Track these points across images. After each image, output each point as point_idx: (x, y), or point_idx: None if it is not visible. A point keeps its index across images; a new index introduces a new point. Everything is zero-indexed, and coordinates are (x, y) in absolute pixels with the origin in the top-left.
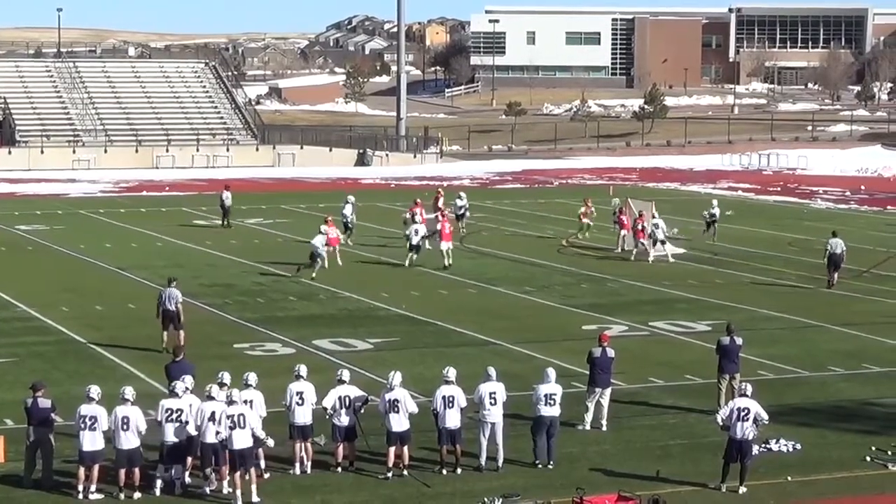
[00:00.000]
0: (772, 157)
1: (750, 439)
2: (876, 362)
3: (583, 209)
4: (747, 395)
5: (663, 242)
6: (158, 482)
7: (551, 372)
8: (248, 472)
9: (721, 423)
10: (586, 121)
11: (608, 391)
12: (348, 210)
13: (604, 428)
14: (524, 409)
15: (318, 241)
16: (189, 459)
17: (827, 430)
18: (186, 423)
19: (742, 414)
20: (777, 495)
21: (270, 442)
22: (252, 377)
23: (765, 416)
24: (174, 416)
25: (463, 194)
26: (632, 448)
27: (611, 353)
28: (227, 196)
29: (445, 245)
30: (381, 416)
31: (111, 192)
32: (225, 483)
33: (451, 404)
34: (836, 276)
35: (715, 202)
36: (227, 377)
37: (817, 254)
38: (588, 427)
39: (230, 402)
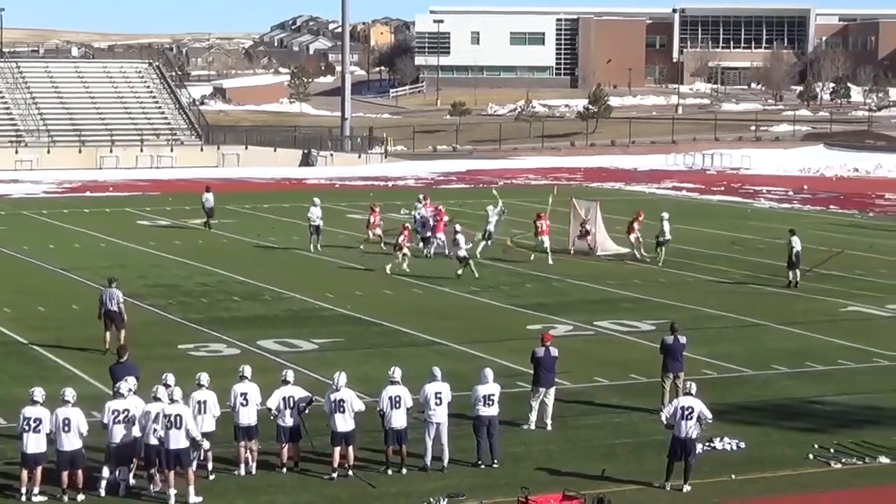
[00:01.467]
0: (715, 157)
1: (694, 438)
2: (819, 361)
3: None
4: (691, 394)
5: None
6: (103, 483)
7: (489, 372)
8: (185, 472)
9: (665, 422)
10: (531, 121)
11: (552, 391)
12: (317, 213)
13: (549, 427)
14: (469, 409)
15: (461, 240)
16: (134, 461)
17: (770, 429)
18: (133, 423)
19: (686, 413)
20: (721, 493)
21: (206, 444)
22: (204, 377)
23: (708, 414)
24: (121, 417)
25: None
26: (577, 447)
27: (554, 352)
28: (208, 197)
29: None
30: (326, 417)
31: (54, 192)
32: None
33: (397, 404)
34: (797, 273)
35: (665, 217)
36: (171, 378)
37: (761, 253)
38: (533, 427)
39: (171, 401)
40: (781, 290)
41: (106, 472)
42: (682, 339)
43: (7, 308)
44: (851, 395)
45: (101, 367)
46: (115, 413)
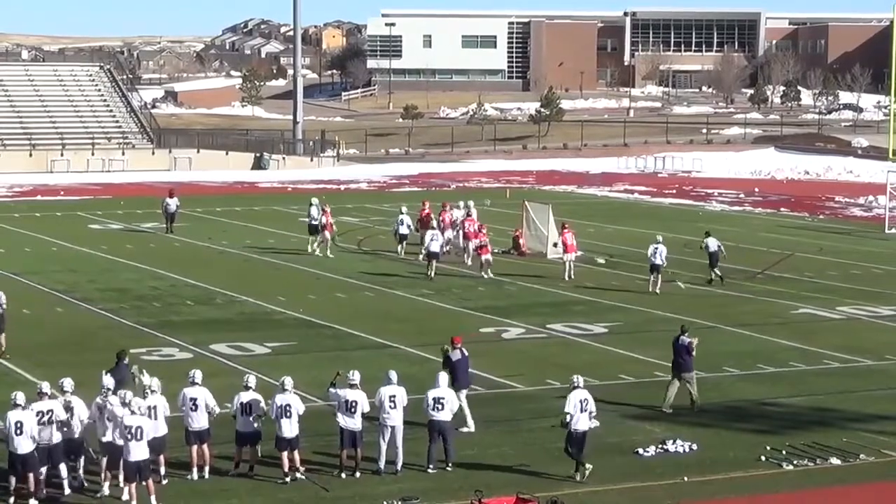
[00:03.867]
0: (667, 160)
1: (587, 430)
2: (770, 362)
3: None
4: (580, 387)
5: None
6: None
7: (442, 376)
8: (147, 483)
9: (569, 419)
10: (483, 124)
11: (464, 392)
12: (315, 212)
13: (472, 429)
14: (421, 412)
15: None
16: (81, 459)
17: (722, 431)
18: (60, 422)
19: (584, 405)
20: (673, 495)
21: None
22: (155, 382)
23: (594, 408)
24: (45, 418)
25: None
26: (530, 450)
27: (466, 353)
28: (169, 202)
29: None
30: (272, 421)
31: (4, 196)
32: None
33: (353, 408)
34: (716, 272)
35: (660, 240)
36: (110, 381)
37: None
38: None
39: (131, 413)
40: (731, 293)
41: (42, 471)
42: (683, 340)
43: None
44: (802, 397)
45: (52, 370)
46: (40, 414)
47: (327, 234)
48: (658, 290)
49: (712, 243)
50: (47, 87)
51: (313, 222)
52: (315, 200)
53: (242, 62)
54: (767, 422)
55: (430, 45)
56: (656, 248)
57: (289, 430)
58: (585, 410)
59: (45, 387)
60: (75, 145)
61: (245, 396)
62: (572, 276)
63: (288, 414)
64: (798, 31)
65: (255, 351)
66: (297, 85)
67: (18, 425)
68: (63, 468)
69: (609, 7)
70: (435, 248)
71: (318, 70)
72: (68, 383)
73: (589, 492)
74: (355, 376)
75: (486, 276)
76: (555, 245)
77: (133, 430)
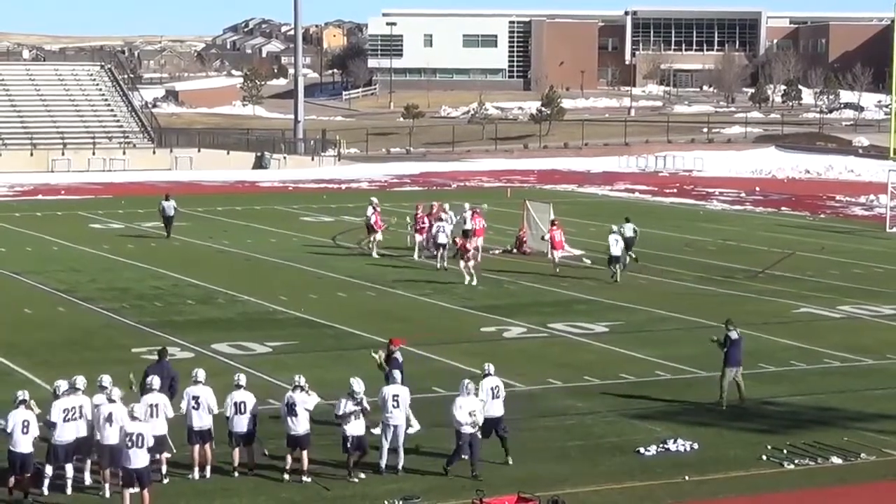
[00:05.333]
0: (668, 159)
1: (501, 415)
2: (771, 362)
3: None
4: (492, 374)
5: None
6: (46, 481)
7: (467, 383)
8: (142, 491)
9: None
10: (484, 123)
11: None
12: (369, 211)
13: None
14: (422, 413)
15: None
16: (88, 460)
17: (724, 430)
18: (88, 421)
19: (495, 392)
20: (674, 494)
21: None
22: (156, 380)
23: (502, 394)
24: (70, 415)
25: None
26: (530, 449)
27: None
28: (165, 206)
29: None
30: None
31: (6, 196)
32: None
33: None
34: (629, 255)
35: (615, 229)
36: (106, 380)
37: (713, 255)
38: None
39: (132, 418)
40: (733, 292)
41: (49, 470)
42: (733, 335)
43: None
44: (803, 396)
45: (53, 370)
46: (66, 411)
47: (378, 234)
48: (619, 280)
49: (628, 229)
50: (48, 86)
51: (370, 221)
52: (374, 199)
53: (243, 61)
54: (768, 421)
55: (430, 44)
56: (617, 240)
57: (294, 428)
58: (498, 397)
59: (80, 382)
60: (76, 145)
61: (237, 396)
62: (557, 271)
63: (294, 412)
64: (799, 31)
65: (257, 350)
66: (298, 84)
67: (25, 424)
68: (69, 467)
69: (610, 6)
70: (442, 239)
71: (319, 69)
72: (81, 381)
73: (590, 491)
74: (359, 386)
75: (467, 281)
76: (542, 238)
77: (134, 437)
